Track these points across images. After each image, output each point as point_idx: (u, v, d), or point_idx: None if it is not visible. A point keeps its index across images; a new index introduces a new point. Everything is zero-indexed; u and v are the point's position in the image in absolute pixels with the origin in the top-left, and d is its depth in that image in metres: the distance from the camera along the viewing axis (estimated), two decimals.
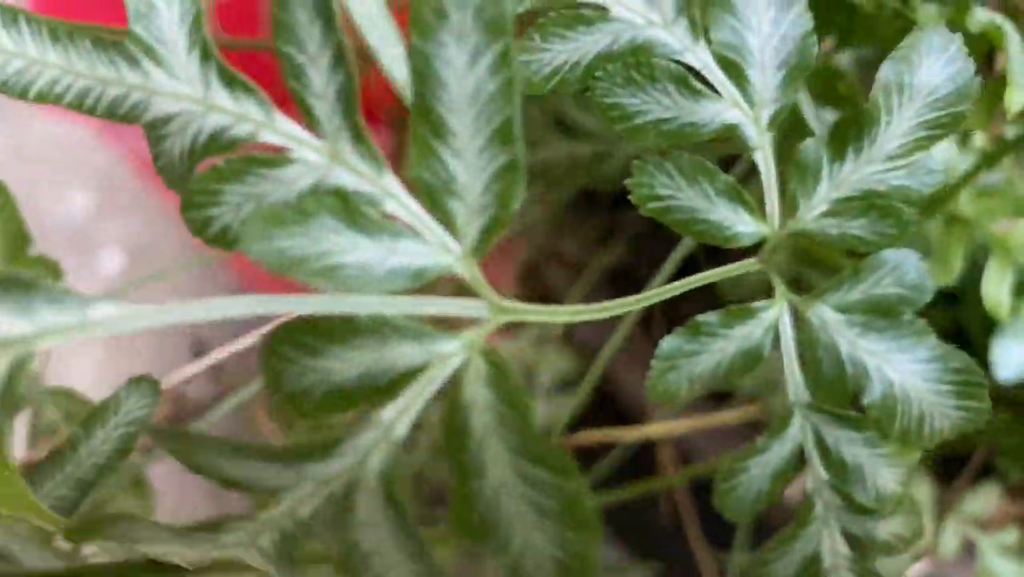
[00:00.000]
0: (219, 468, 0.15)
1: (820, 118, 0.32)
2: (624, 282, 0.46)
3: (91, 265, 0.65)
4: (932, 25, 0.21)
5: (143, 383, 0.19)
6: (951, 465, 0.45)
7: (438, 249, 0.15)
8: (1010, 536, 0.43)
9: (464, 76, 0.15)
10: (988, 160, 0.34)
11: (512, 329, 0.47)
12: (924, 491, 0.43)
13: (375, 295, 0.15)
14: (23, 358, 0.13)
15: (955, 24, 0.26)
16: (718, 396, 0.41)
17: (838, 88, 0.29)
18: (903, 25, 0.27)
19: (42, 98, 0.17)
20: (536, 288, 0.49)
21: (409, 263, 0.15)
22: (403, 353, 0.15)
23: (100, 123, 0.61)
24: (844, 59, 0.36)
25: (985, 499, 0.44)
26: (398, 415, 0.15)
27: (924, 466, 0.44)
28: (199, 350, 0.33)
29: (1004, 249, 0.34)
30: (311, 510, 0.15)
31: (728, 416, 0.40)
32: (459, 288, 0.16)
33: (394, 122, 0.46)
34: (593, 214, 0.44)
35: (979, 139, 0.35)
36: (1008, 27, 0.26)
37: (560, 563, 0.15)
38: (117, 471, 0.19)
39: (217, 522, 0.16)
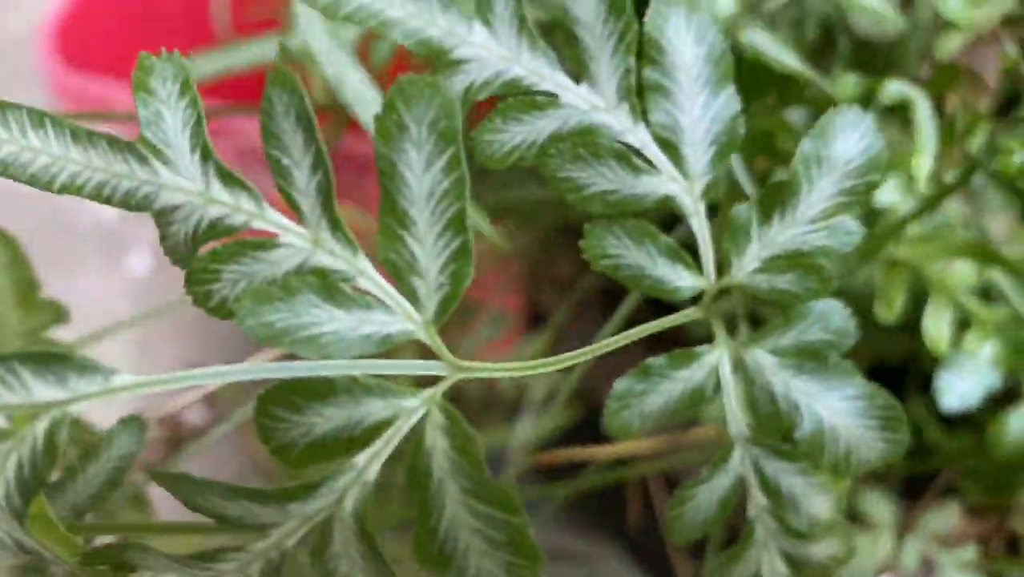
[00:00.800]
0: (216, 507, 0.18)
1: (774, 174, 0.35)
2: (611, 299, 0.49)
3: (121, 266, 0.68)
4: (847, 103, 0.24)
5: (132, 422, 0.21)
6: (918, 484, 0.48)
7: (403, 319, 0.18)
8: (968, 553, 0.45)
9: (422, 176, 0.18)
10: (927, 204, 0.37)
11: (508, 347, 0.50)
12: (885, 509, 0.46)
13: (348, 359, 0.18)
14: (60, 419, 0.16)
15: (871, 94, 0.29)
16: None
17: (777, 145, 0.32)
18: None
19: (65, 189, 0.20)
20: (531, 307, 0.52)
21: (378, 331, 0.18)
22: (373, 408, 0.18)
23: (129, 134, 0.65)
24: (795, 115, 0.39)
25: (946, 517, 0.47)
26: (369, 460, 0.18)
27: (890, 485, 0.47)
28: None
29: (942, 289, 0.36)
30: (295, 542, 0.18)
31: (700, 434, 0.43)
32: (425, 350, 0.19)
33: None
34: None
35: (950, 172, 0.38)
36: (919, 99, 0.29)
37: None
38: (109, 499, 0.21)
39: (213, 552, 0.18)
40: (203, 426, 0.33)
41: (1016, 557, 0.46)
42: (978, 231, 0.43)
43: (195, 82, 0.19)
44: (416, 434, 0.18)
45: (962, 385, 0.39)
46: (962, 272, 0.39)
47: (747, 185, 0.27)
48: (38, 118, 0.20)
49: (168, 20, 0.74)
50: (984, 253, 0.38)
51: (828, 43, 0.45)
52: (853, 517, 0.45)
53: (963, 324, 0.39)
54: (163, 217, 0.19)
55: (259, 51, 0.39)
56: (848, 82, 0.32)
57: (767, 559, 0.26)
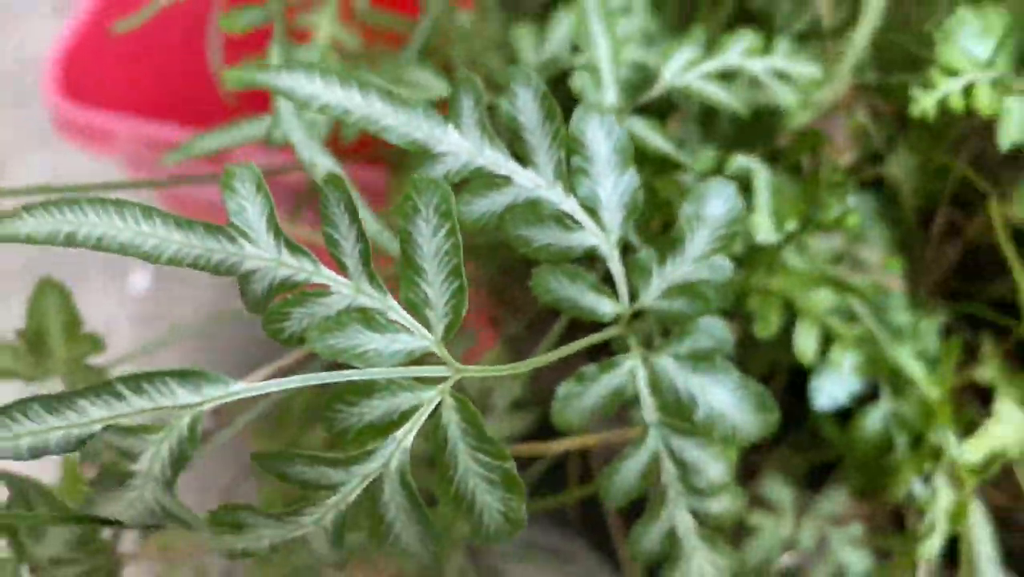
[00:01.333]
0: (300, 474, 0.26)
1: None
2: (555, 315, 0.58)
3: (122, 284, 0.74)
4: (717, 177, 0.34)
5: None
6: (819, 473, 0.57)
7: (420, 339, 0.27)
8: (856, 530, 0.55)
9: (430, 241, 0.26)
10: (788, 240, 0.47)
11: (475, 360, 0.59)
12: (786, 495, 0.55)
13: (385, 367, 0.26)
14: (197, 416, 0.24)
15: (722, 166, 0.39)
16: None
17: (672, 204, 0.42)
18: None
19: (170, 262, 0.28)
20: (497, 326, 0.61)
21: (404, 348, 0.27)
22: (405, 399, 0.26)
23: (128, 160, 0.69)
24: (687, 178, 0.49)
25: (835, 501, 0.56)
26: (405, 434, 0.26)
27: (796, 476, 0.56)
28: None
29: (808, 312, 0.47)
30: (356, 496, 0.26)
31: (631, 432, 0.52)
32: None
33: (392, 163, 0.57)
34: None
35: (791, 224, 0.48)
36: (759, 170, 0.39)
37: (503, 514, 0.26)
38: None
39: (296, 508, 0.26)
40: (209, 432, 0.40)
41: (901, 532, 0.55)
42: (851, 262, 0.53)
43: (265, 183, 0.27)
44: (436, 413, 0.26)
45: (830, 389, 0.49)
46: (823, 298, 0.49)
47: (635, 241, 0.37)
48: (147, 212, 0.28)
49: (166, 57, 0.80)
50: (836, 283, 0.48)
51: (714, 115, 0.56)
52: (760, 503, 0.54)
53: (829, 339, 0.49)
54: (245, 278, 0.27)
55: (251, 131, 0.47)
56: (704, 157, 0.42)
57: (679, 514, 0.35)
